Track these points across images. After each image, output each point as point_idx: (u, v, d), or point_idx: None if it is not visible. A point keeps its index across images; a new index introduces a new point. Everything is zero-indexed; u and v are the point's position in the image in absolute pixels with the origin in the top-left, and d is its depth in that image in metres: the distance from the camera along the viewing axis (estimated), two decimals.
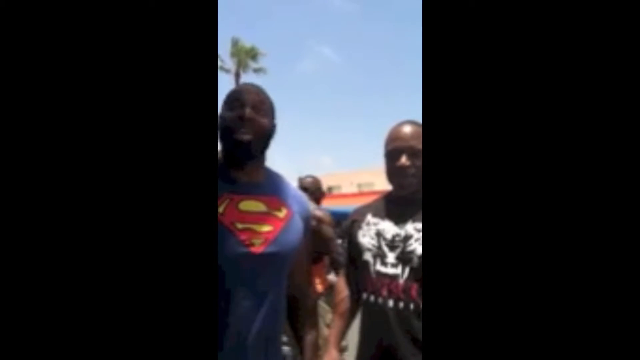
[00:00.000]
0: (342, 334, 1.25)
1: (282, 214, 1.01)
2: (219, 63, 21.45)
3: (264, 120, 1.00)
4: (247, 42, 22.54)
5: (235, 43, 22.23)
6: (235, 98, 1.00)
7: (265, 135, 1.01)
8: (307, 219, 1.09)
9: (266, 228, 0.97)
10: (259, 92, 1.03)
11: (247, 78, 22.18)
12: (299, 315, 1.11)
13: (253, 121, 0.97)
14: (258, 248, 0.95)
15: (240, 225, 0.95)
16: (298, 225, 1.03)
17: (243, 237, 0.95)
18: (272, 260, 0.97)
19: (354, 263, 1.24)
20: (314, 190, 2.92)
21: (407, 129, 1.15)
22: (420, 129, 1.14)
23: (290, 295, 1.07)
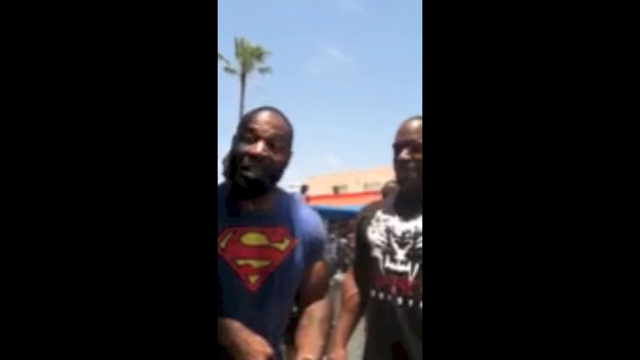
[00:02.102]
0: (350, 332, 1.24)
1: (283, 245, 0.99)
2: (224, 64, 21.50)
3: (278, 157, 0.95)
4: (252, 42, 22.62)
5: (240, 43, 22.30)
6: (249, 128, 0.95)
7: (277, 172, 0.97)
8: (316, 241, 1.05)
9: (264, 263, 0.96)
10: (276, 123, 0.96)
11: (252, 78, 22.23)
12: (303, 336, 1.03)
13: (265, 159, 0.93)
14: (254, 285, 0.95)
15: (240, 262, 0.95)
16: (298, 256, 1.01)
17: (241, 273, 0.94)
18: (268, 296, 0.96)
19: (363, 260, 1.23)
20: None
21: (411, 123, 1.14)
22: None
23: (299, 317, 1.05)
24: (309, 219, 1.06)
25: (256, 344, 0.88)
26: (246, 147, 0.93)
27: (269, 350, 0.87)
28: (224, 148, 1.05)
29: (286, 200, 1.05)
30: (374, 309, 1.16)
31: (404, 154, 1.12)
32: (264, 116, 0.96)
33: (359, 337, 1.21)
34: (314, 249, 1.05)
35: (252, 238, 0.97)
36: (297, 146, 1.03)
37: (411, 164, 1.11)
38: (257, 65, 22.61)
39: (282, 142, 0.96)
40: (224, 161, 1.93)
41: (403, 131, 1.15)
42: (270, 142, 0.94)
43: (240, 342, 0.87)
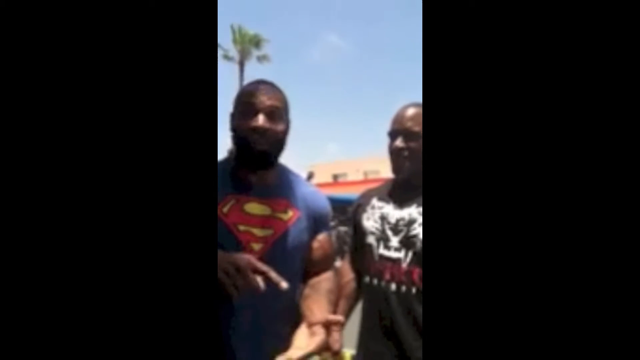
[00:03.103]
0: (346, 318, 1.26)
1: (287, 216, 1.00)
2: (222, 52, 21.31)
3: (279, 127, 0.98)
4: (250, 30, 22.40)
5: (238, 31, 22.07)
6: (247, 102, 0.97)
7: (281, 142, 1.00)
8: (321, 215, 1.07)
9: (267, 232, 0.97)
10: (272, 94, 0.99)
11: (250, 66, 22.08)
12: (310, 303, 1.03)
13: (268, 131, 0.95)
14: (256, 254, 0.94)
15: (242, 227, 0.95)
16: (302, 227, 1.02)
17: (243, 239, 0.95)
18: (271, 265, 0.93)
19: (358, 246, 1.25)
20: None
21: (406, 111, 1.15)
22: (422, 112, 1.14)
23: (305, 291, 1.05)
24: (313, 194, 1.08)
25: (235, 256, 0.83)
26: (247, 122, 0.96)
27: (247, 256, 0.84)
28: (222, 136, 1.06)
29: (287, 175, 1.07)
30: (367, 295, 1.18)
31: (398, 143, 1.12)
32: (260, 89, 0.99)
33: (356, 321, 1.23)
34: (318, 223, 1.06)
35: (255, 208, 0.98)
36: (297, 134, 1.05)
37: (405, 153, 1.12)
38: (255, 52, 22.44)
39: (280, 112, 0.99)
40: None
41: (397, 119, 1.15)
42: (269, 114, 0.96)
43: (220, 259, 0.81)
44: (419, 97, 1.17)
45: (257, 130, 0.95)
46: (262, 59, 22.58)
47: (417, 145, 1.11)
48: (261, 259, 0.93)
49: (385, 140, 1.19)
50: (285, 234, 0.99)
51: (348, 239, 1.37)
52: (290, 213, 1.01)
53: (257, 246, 0.96)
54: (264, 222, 0.98)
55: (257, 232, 0.97)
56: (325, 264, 1.08)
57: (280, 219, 1.00)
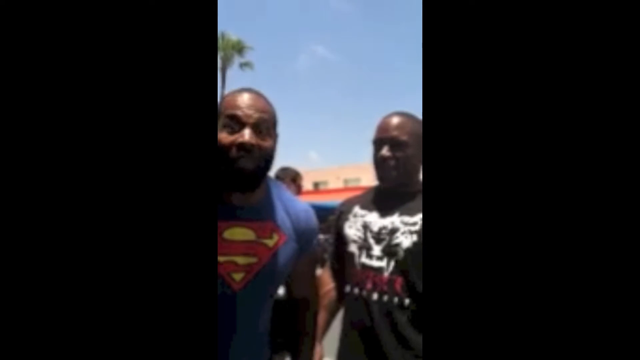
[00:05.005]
0: (325, 327, 1.24)
1: (272, 241, 0.94)
2: None
3: (267, 143, 0.89)
4: (233, 36, 22.37)
5: (221, 36, 22.00)
6: (232, 115, 0.87)
7: (269, 159, 0.90)
8: (308, 235, 1.02)
9: (250, 260, 0.91)
10: (259, 106, 0.89)
11: (232, 73, 22.02)
12: (297, 325, 1.06)
13: (254, 147, 0.86)
14: (238, 284, 0.90)
15: (222, 258, 0.89)
16: (288, 251, 0.97)
17: (223, 271, 0.89)
18: (253, 295, 0.92)
19: (339, 255, 1.23)
20: None
21: (391, 120, 1.14)
22: (408, 121, 1.14)
23: (292, 303, 1.05)
24: (302, 212, 1.02)
25: None
26: (232, 137, 0.86)
27: None
28: None
29: (275, 191, 1.00)
30: (349, 304, 1.16)
31: (385, 152, 1.12)
32: (246, 99, 0.89)
33: (337, 329, 1.22)
34: (304, 243, 1.01)
35: (238, 233, 0.91)
36: (278, 141, 0.97)
37: (392, 162, 1.11)
38: (238, 59, 22.41)
39: (268, 126, 0.90)
40: None
41: (383, 128, 1.15)
42: (256, 128, 0.87)
43: None
44: (400, 107, 1.17)
45: (244, 146, 0.85)
46: (244, 66, 22.55)
47: (403, 154, 1.11)
48: (243, 289, 0.91)
49: (366, 149, 1.19)
50: (269, 262, 0.93)
51: (328, 247, 1.36)
52: (276, 237, 0.95)
53: (238, 276, 0.90)
54: (247, 248, 0.91)
55: (240, 260, 0.90)
56: (306, 286, 1.06)
57: (265, 245, 0.93)
